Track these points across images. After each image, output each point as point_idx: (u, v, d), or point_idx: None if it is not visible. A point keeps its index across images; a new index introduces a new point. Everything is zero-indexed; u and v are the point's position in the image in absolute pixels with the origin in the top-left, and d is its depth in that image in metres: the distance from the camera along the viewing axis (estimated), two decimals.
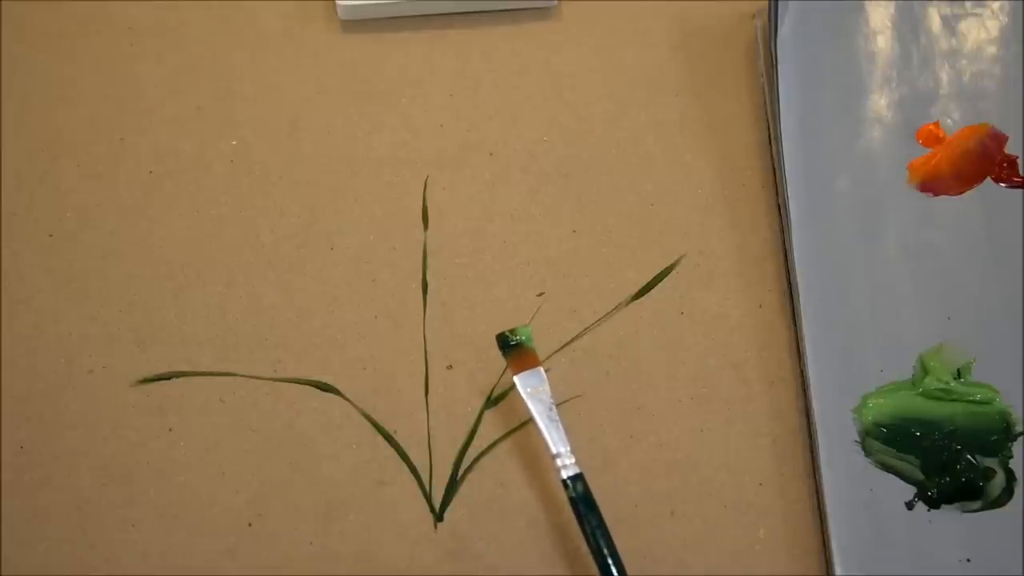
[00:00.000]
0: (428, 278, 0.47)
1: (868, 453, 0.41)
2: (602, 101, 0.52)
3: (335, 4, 0.54)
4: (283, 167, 0.50)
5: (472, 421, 0.43)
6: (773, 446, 0.43)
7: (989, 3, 0.52)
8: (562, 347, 0.45)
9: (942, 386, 0.42)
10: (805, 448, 0.42)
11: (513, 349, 0.40)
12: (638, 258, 0.47)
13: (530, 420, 0.38)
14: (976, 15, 0.52)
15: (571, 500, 0.37)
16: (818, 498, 0.41)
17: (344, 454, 0.42)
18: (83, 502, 0.41)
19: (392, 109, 0.52)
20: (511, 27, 0.54)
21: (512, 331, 0.40)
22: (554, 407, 0.38)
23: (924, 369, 0.43)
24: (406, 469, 0.42)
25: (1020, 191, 0.47)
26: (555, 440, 0.37)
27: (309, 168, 0.50)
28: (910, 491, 0.40)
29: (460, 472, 0.42)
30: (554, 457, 0.37)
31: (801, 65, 0.50)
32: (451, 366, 0.45)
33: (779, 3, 0.51)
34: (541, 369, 0.39)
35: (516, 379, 0.38)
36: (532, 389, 0.38)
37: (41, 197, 0.49)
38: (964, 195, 0.47)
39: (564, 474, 0.37)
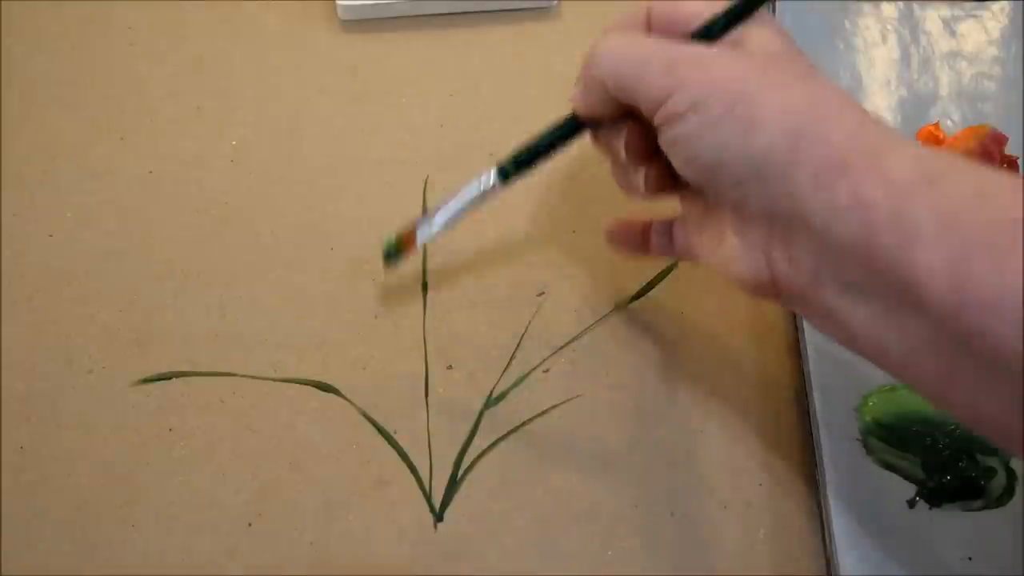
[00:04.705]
0: (428, 278, 0.47)
1: (869, 452, 0.41)
2: None
3: (335, 4, 0.54)
4: (283, 167, 0.50)
5: (472, 421, 0.43)
6: (773, 446, 0.43)
7: (989, 5, 0.53)
8: (562, 347, 0.45)
9: None
10: (805, 448, 0.42)
11: (396, 252, 0.42)
12: (638, 258, 0.47)
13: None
14: (976, 17, 0.52)
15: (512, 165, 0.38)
16: (819, 497, 0.41)
17: (344, 454, 0.42)
18: (83, 502, 0.41)
19: (392, 109, 0.52)
20: (511, 27, 0.54)
21: (388, 252, 0.42)
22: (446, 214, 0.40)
23: None
24: (406, 469, 0.42)
25: None
26: (465, 198, 0.39)
27: (309, 168, 0.50)
28: (911, 489, 0.40)
29: (460, 472, 0.42)
30: (483, 191, 0.39)
31: None
32: (451, 366, 0.45)
33: (778, 4, 0.51)
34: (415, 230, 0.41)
35: (419, 240, 0.41)
36: (428, 227, 0.41)
37: (41, 197, 0.49)
38: None
39: (493, 175, 0.38)
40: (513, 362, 0.45)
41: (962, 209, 0.27)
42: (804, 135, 0.29)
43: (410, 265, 0.47)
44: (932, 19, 0.52)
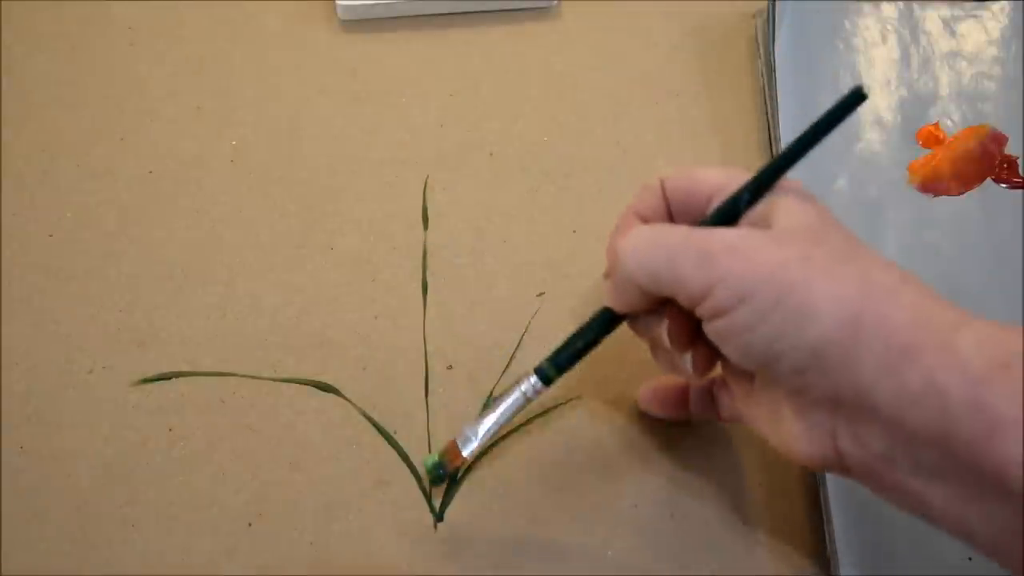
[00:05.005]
0: (428, 278, 0.47)
1: None
2: (602, 101, 0.52)
3: (335, 4, 0.54)
4: (283, 167, 0.50)
5: None
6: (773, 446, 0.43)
7: (989, 5, 0.53)
8: None
9: None
10: None
11: (442, 471, 0.40)
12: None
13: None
14: (976, 17, 0.52)
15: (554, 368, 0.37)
16: (819, 497, 0.41)
17: (344, 454, 0.42)
18: (83, 502, 0.41)
19: (392, 109, 0.52)
20: (511, 27, 0.54)
21: (433, 474, 0.40)
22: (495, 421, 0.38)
23: None
24: (406, 469, 0.42)
25: (1020, 191, 0.47)
26: (510, 405, 0.38)
27: (309, 168, 0.50)
28: None
29: (460, 472, 0.42)
30: (526, 396, 0.38)
31: (801, 66, 0.50)
32: (451, 366, 0.45)
33: (778, 4, 0.51)
34: (457, 444, 0.39)
35: (466, 457, 0.39)
36: (474, 437, 0.39)
37: (41, 197, 0.49)
38: (964, 196, 0.48)
39: (533, 381, 0.37)
40: (513, 362, 0.45)
41: None
42: (863, 321, 0.28)
43: (410, 265, 0.47)
44: (932, 19, 0.52)
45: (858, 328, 0.28)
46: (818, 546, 0.40)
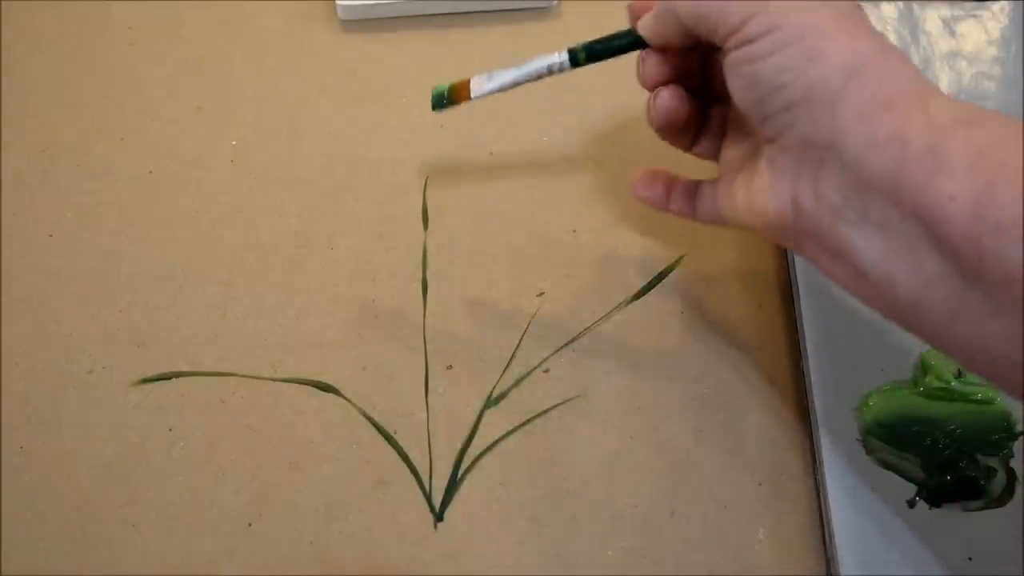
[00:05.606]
0: (428, 278, 0.47)
1: (869, 452, 0.41)
2: (602, 101, 0.52)
3: (335, 4, 0.54)
4: (283, 167, 0.50)
5: (472, 421, 0.43)
6: (773, 446, 0.43)
7: (989, 5, 0.53)
8: (562, 347, 0.45)
9: (943, 385, 0.42)
10: (805, 448, 0.42)
11: (447, 100, 0.42)
12: (638, 258, 0.47)
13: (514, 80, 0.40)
14: (976, 17, 0.52)
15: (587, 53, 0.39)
16: (819, 497, 0.41)
17: (344, 454, 0.42)
18: (83, 502, 0.41)
19: (392, 109, 0.52)
20: (511, 27, 0.54)
21: (437, 99, 0.42)
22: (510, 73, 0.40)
23: (925, 368, 0.43)
24: (406, 469, 0.42)
25: None
26: (533, 67, 0.40)
27: (309, 168, 0.50)
28: (911, 489, 0.40)
29: (460, 472, 0.42)
30: (550, 67, 0.39)
31: None
32: (451, 366, 0.45)
33: None
34: (470, 83, 0.41)
35: (474, 92, 0.41)
36: (488, 82, 0.40)
37: (41, 197, 0.49)
38: None
39: (562, 57, 0.39)
40: (513, 362, 0.45)
41: (994, 147, 0.28)
42: (860, 74, 0.30)
43: (410, 265, 0.47)
44: (932, 19, 0.52)
45: (854, 76, 0.31)
46: (818, 546, 0.40)
